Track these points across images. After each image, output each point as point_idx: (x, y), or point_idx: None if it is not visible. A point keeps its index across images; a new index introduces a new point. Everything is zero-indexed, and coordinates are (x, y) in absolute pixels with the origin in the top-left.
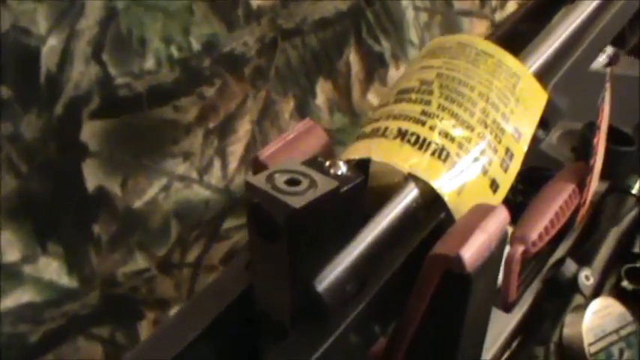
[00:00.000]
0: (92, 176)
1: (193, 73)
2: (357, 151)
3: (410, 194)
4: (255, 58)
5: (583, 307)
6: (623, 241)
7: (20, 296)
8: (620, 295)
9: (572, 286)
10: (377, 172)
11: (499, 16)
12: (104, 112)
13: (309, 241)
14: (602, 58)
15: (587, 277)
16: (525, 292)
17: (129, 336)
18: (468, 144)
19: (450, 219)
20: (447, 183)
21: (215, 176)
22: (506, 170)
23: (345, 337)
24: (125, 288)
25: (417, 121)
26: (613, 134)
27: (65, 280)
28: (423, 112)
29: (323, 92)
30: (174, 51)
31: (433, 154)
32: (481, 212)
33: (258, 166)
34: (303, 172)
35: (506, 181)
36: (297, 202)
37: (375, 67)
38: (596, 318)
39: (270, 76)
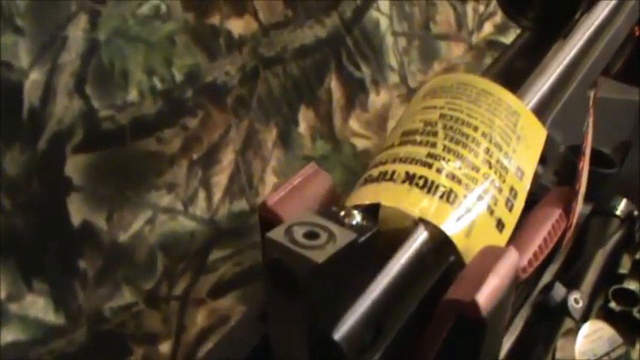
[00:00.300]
0: (77, 211)
1: (176, 104)
2: (366, 195)
3: (420, 239)
4: (237, 88)
5: (574, 331)
6: (609, 262)
7: (6, 335)
8: (607, 316)
9: (562, 309)
10: (386, 217)
11: (476, 39)
12: (88, 145)
13: (327, 295)
14: None
15: (576, 301)
16: (516, 317)
17: None
18: (474, 185)
19: (459, 262)
20: (455, 225)
21: (200, 207)
22: (510, 209)
23: None
24: (112, 323)
25: (424, 164)
26: (594, 156)
27: (51, 317)
28: (429, 155)
29: (305, 120)
30: (156, 82)
31: (442, 197)
32: (492, 255)
33: (266, 213)
34: (320, 225)
35: (512, 221)
36: (318, 257)
37: (355, 93)
38: (588, 342)
39: (252, 106)
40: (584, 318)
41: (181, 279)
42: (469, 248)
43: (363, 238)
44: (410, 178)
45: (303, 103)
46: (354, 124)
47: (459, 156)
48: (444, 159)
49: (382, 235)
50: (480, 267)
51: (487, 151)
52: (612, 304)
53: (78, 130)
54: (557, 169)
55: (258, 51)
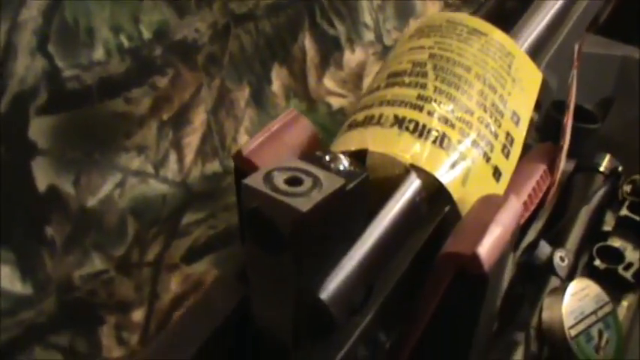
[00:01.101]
0: (43, 175)
1: (145, 62)
2: (351, 141)
3: (412, 187)
4: (208, 45)
5: (560, 290)
6: (593, 219)
7: None
8: (592, 274)
9: (548, 268)
10: (375, 164)
11: None
12: (52, 107)
13: (313, 249)
14: None
15: (562, 259)
16: None
17: (89, 343)
18: (469, 130)
19: (455, 213)
20: (450, 173)
21: (171, 170)
22: (507, 156)
23: (354, 352)
24: (83, 292)
25: (414, 107)
26: (576, 112)
27: (19, 287)
28: (419, 97)
29: (278, 78)
30: (124, 40)
31: (434, 142)
32: (492, 204)
33: (242, 163)
34: (304, 170)
35: (509, 169)
36: (303, 205)
37: (330, 51)
38: (575, 300)
39: (223, 64)
40: (570, 276)
41: (153, 244)
42: (465, 198)
43: (351, 185)
44: (399, 122)
45: (277, 61)
46: (328, 82)
47: (451, 98)
48: (435, 101)
49: (371, 183)
50: (480, 217)
51: (481, 93)
52: (597, 262)
53: (41, 91)
54: (538, 125)
55: (229, 7)
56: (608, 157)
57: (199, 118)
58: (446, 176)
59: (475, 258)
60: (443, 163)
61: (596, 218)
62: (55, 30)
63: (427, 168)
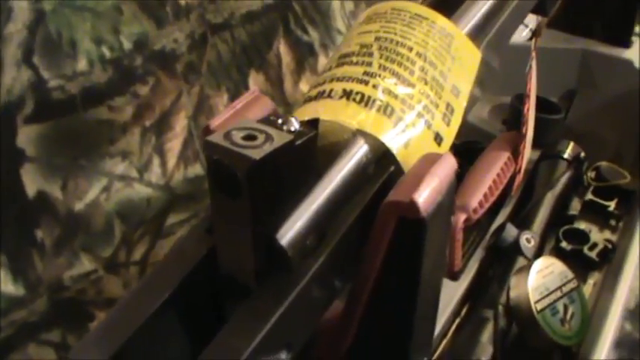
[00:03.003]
0: (31, 181)
1: (126, 72)
2: (305, 112)
3: (360, 149)
4: (187, 54)
5: (526, 268)
6: (558, 204)
7: None
8: (559, 255)
9: (515, 249)
10: (325, 131)
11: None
12: (39, 116)
13: (268, 195)
14: (525, 32)
15: (528, 240)
16: (470, 260)
17: (81, 338)
18: (411, 100)
19: (399, 172)
20: (395, 138)
21: (155, 174)
22: (448, 124)
23: (309, 290)
24: (73, 291)
25: (361, 81)
26: (541, 104)
27: (11, 288)
28: (365, 73)
29: (255, 84)
30: (105, 51)
31: (379, 110)
32: (429, 160)
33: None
34: (258, 129)
35: (449, 135)
36: (255, 154)
37: (304, 56)
38: (540, 277)
39: (202, 71)
40: (536, 257)
41: (139, 244)
42: (408, 159)
43: (300, 141)
44: (347, 94)
45: (253, 68)
46: (304, 87)
47: (394, 73)
48: (379, 76)
49: (323, 149)
50: (419, 171)
51: (422, 69)
52: (563, 244)
53: (28, 101)
54: (505, 118)
55: (205, 18)
56: (571, 145)
57: (180, 124)
58: (390, 140)
59: (412, 204)
60: (387, 128)
61: (562, 202)
62: (39, 42)
63: (373, 132)
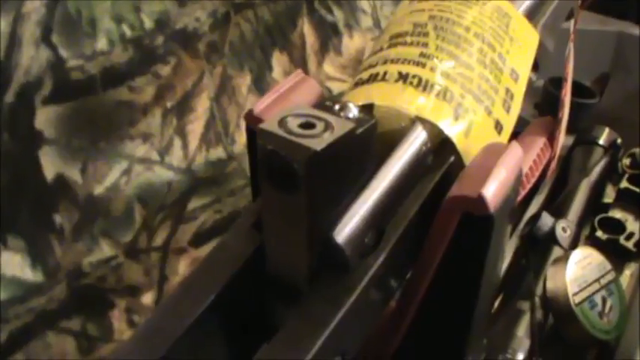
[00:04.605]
0: (50, 164)
1: (147, 51)
2: (358, 97)
3: (419, 137)
4: (209, 34)
5: (564, 259)
6: (594, 191)
7: None
8: (594, 244)
9: (551, 238)
10: (381, 117)
11: None
12: (57, 96)
13: (326, 189)
14: None
15: (564, 229)
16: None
17: (101, 326)
18: (470, 84)
19: (459, 163)
20: (454, 124)
21: (176, 156)
22: (508, 111)
23: (367, 293)
24: (92, 278)
25: (417, 64)
26: (574, 88)
27: (29, 275)
28: (422, 54)
29: (279, 65)
30: (126, 30)
31: (438, 95)
32: (495, 151)
33: (253, 121)
34: (316, 115)
35: (509, 122)
36: (316, 145)
37: (329, 37)
38: (578, 268)
39: (224, 52)
40: (572, 246)
41: (160, 229)
42: (468, 149)
43: (361, 129)
44: (403, 77)
45: (277, 48)
46: (328, 68)
47: (452, 55)
48: (437, 58)
49: (379, 137)
50: (484, 163)
51: (480, 50)
52: (599, 233)
53: (46, 81)
54: (537, 102)
55: None
56: (607, 131)
57: (202, 105)
58: (450, 127)
59: (481, 199)
60: (447, 115)
61: (597, 190)
62: (58, 21)
63: (432, 119)
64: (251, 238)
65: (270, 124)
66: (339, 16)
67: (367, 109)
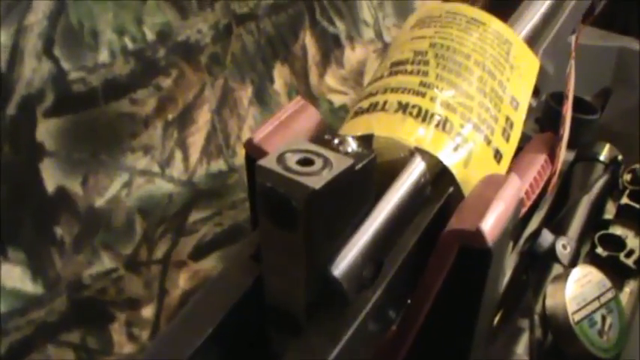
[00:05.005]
0: (51, 177)
1: (149, 63)
2: (357, 127)
3: (417, 169)
4: (211, 46)
5: (563, 277)
6: (594, 208)
7: None
8: (594, 261)
9: (551, 256)
10: (381, 148)
11: None
12: (59, 109)
13: (324, 225)
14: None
15: (564, 247)
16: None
17: (101, 339)
18: (470, 114)
19: (458, 193)
20: (454, 155)
21: (177, 169)
22: (507, 140)
23: (365, 325)
24: (92, 290)
25: (417, 93)
26: (576, 103)
27: (29, 287)
28: (422, 84)
29: (280, 77)
30: (127, 42)
31: (437, 125)
32: (493, 182)
33: (253, 150)
34: (314, 151)
35: (509, 151)
36: (315, 183)
37: (330, 49)
38: (578, 286)
39: (226, 64)
40: (572, 264)
41: (161, 242)
42: (468, 179)
43: (360, 165)
44: (403, 107)
45: (278, 60)
46: (330, 80)
47: (452, 84)
48: (437, 87)
49: (378, 168)
50: (482, 195)
51: (481, 79)
52: (599, 250)
53: (48, 94)
54: (538, 116)
55: (230, 8)
56: (607, 147)
57: (203, 118)
58: (449, 158)
59: (478, 233)
60: (446, 146)
61: (597, 207)
62: (60, 33)
63: (431, 150)
64: (250, 269)
65: (269, 161)
66: (341, 27)
67: (367, 139)
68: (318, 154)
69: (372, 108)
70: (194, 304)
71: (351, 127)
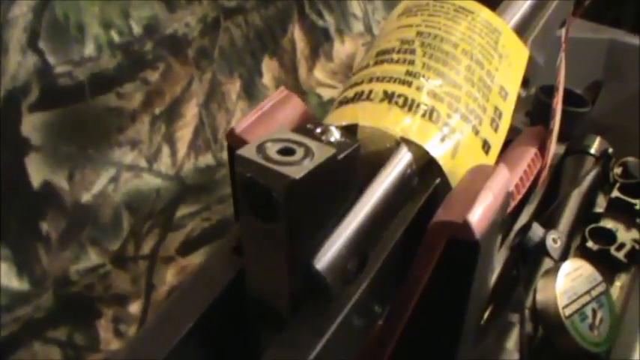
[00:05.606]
0: (37, 171)
1: (135, 57)
2: (342, 116)
3: (403, 159)
4: (198, 39)
5: (554, 271)
6: (585, 201)
7: None
8: (584, 255)
9: (541, 250)
10: (366, 138)
11: None
12: (45, 103)
13: (307, 217)
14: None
15: (554, 240)
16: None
17: (88, 336)
18: (457, 103)
19: (445, 185)
20: (441, 145)
21: (164, 163)
22: (496, 130)
23: (349, 320)
24: (79, 286)
25: (403, 82)
26: (566, 96)
27: (15, 283)
28: (408, 73)
29: (269, 71)
30: (114, 35)
31: (424, 115)
32: (481, 173)
33: (235, 141)
34: (295, 141)
35: (497, 142)
36: (295, 173)
37: (319, 42)
38: (568, 280)
39: (214, 57)
40: (563, 257)
41: (148, 237)
42: (455, 170)
43: (343, 154)
44: (389, 97)
45: (267, 54)
46: (319, 73)
47: (439, 73)
48: (423, 76)
49: (363, 159)
50: (470, 186)
51: (468, 68)
52: (590, 244)
53: (33, 88)
54: (528, 110)
55: (218, 1)
56: (598, 140)
57: (191, 112)
58: (436, 149)
59: (466, 225)
60: (433, 136)
61: (588, 200)
62: (45, 26)
63: (417, 140)
64: (231, 263)
65: (248, 151)
66: (330, 21)
67: (351, 129)
68: (300, 144)
69: (358, 97)
70: (174, 300)
71: (335, 116)
